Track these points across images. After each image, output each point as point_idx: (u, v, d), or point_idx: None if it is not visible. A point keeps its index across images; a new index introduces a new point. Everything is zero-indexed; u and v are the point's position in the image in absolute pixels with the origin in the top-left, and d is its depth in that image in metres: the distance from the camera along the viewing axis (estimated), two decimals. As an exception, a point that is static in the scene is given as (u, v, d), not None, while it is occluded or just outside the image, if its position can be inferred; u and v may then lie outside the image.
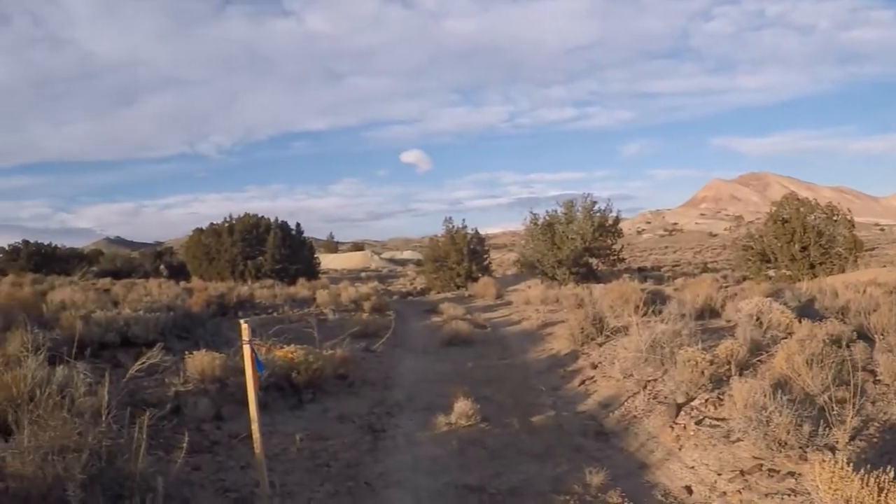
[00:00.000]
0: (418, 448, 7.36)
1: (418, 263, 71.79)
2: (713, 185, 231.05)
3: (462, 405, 8.12)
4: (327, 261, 60.89)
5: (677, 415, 7.28)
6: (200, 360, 8.60)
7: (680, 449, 6.66)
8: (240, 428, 7.30)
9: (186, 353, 8.96)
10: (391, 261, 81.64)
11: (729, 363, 7.84)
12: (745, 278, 27.23)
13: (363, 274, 56.32)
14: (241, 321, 5.60)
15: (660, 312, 11.71)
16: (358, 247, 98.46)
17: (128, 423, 5.07)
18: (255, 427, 5.45)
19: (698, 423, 6.93)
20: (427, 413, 8.69)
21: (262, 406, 5.63)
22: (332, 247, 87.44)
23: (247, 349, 5.44)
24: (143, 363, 6.24)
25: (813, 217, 26.32)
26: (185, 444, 5.43)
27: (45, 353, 6.43)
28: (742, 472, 5.74)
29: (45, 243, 49.50)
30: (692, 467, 6.23)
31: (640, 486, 6.08)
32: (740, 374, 7.54)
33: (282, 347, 9.29)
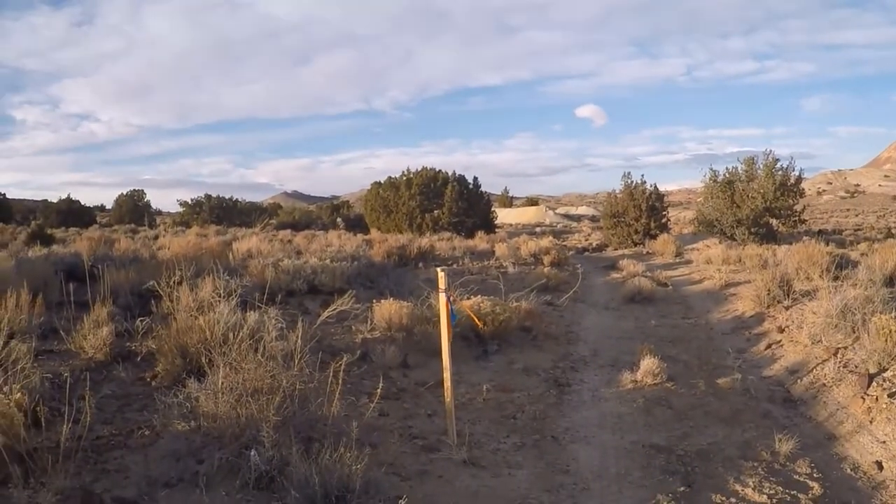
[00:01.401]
0: (604, 404, 7.15)
1: (593, 219, 71.08)
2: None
3: (648, 363, 7.85)
4: (502, 215, 61.05)
5: (869, 385, 6.73)
6: (387, 309, 8.65)
7: (871, 422, 6.19)
8: (426, 376, 7.32)
9: (373, 301, 9.02)
10: (565, 216, 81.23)
11: (923, 335, 7.12)
12: (932, 245, 25.08)
13: (538, 229, 56.10)
14: (438, 270, 5.50)
15: (848, 277, 10.92)
16: (532, 202, 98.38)
17: (318, 367, 5.02)
18: (447, 375, 5.34)
19: (891, 395, 6.38)
20: (611, 369, 8.51)
21: (450, 355, 5.46)
22: (507, 201, 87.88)
23: (443, 298, 5.30)
24: (335, 310, 6.20)
25: None
26: (376, 391, 5.38)
27: (236, 298, 6.53)
28: (936, 451, 5.24)
29: (226, 197, 52.40)
30: (883, 442, 5.78)
31: (829, 457, 5.71)
32: (936, 348, 6.85)
33: (468, 298, 9.19)
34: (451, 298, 6.86)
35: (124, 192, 58.94)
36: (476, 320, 6.14)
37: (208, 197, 51.45)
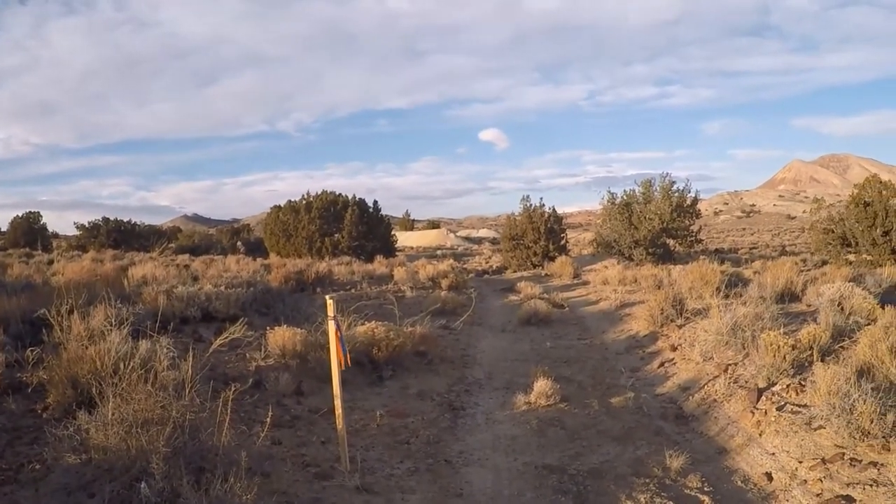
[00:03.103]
0: (497, 427, 7.29)
1: (494, 242, 71.77)
2: (793, 166, 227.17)
3: (542, 385, 8.05)
4: (403, 238, 61.12)
5: (758, 400, 7.08)
6: (281, 336, 8.61)
7: (760, 435, 6.49)
8: (320, 403, 7.33)
9: (267, 328, 8.99)
10: (467, 239, 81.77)
11: (811, 348, 7.57)
12: (824, 262, 26.23)
13: (439, 252, 56.35)
14: (327, 297, 5.57)
15: (740, 295, 11.44)
16: (434, 224, 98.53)
17: (210, 397, 5.06)
18: (338, 402, 5.41)
19: (779, 408, 6.71)
20: (506, 392, 8.66)
21: (343, 382, 5.56)
22: (408, 224, 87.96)
23: (332, 325, 5.38)
24: (227, 338, 6.21)
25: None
26: (267, 419, 5.41)
27: (128, 327, 6.48)
28: (823, 461, 5.55)
29: (125, 220, 50.86)
30: (772, 454, 6.07)
31: (720, 471, 5.97)
32: (822, 360, 7.26)
33: (363, 324, 9.27)
34: (346, 324, 6.96)
35: (20, 214, 56.71)
36: (348, 359, 6.16)
37: (106, 220, 49.67)
